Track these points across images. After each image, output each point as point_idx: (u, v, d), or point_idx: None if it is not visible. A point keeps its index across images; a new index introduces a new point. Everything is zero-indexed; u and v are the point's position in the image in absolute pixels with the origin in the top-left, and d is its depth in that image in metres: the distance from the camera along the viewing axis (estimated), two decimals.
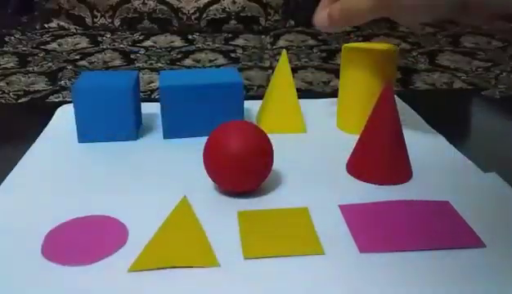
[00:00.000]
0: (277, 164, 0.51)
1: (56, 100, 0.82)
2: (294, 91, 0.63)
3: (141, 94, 0.81)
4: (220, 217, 0.45)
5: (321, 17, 0.52)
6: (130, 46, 1.15)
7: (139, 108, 0.64)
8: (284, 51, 0.63)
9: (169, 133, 0.61)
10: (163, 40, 1.21)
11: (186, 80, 0.60)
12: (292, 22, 1.34)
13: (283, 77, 0.63)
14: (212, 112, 0.60)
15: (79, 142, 0.60)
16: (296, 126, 0.63)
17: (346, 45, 0.62)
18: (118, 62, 1.03)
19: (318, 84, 0.90)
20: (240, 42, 1.20)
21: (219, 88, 0.59)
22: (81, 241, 0.42)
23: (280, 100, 0.63)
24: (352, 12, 0.48)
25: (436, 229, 0.43)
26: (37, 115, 0.73)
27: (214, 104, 0.60)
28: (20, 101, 0.81)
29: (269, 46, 1.18)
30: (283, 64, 0.63)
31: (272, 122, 0.63)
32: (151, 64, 1.02)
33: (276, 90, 0.63)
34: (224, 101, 0.60)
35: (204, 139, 0.49)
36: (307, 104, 0.69)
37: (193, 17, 1.28)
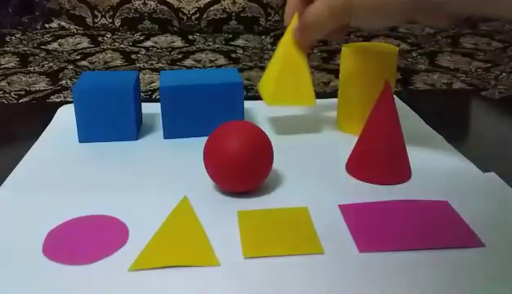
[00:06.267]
0: (277, 164, 0.52)
1: (57, 100, 0.82)
2: (305, 59, 0.58)
3: (142, 94, 0.81)
4: (220, 217, 0.45)
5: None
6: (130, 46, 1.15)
7: (139, 108, 0.64)
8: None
9: (169, 133, 0.61)
10: (163, 40, 1.21)
11: (186, 80, 0.60)
12: None
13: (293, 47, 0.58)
14: (212, 112, 0.60)
15: (80, 142, 0.60)
16: (305, 98, 0.59)
17: (346, 45, 0.62)
18: (118, 62, 1.04)
19: (318, 84, 0.91)
20: (240, 42, 1.20)
21: (219, 88, 0.60)
22: (82, 240, 0.42)
23: (289, 69, 0.58)
24: (313, 25, 0.54)
25: (435, 228, 0.44)
26: (38, 115, 0.73)
27: (214, 104, 0.60)
28: (21, 101, 0.81)
29: (269, 47, 1.18)
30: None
31: (279, 93, 0.59)
32: (152, 64, 1.02)
33: (284, 57, 0.58)
34: (224, 101, 0.60)
35: (204, 139, 0.49)
36: None
37: (193, 17, 1.28)
